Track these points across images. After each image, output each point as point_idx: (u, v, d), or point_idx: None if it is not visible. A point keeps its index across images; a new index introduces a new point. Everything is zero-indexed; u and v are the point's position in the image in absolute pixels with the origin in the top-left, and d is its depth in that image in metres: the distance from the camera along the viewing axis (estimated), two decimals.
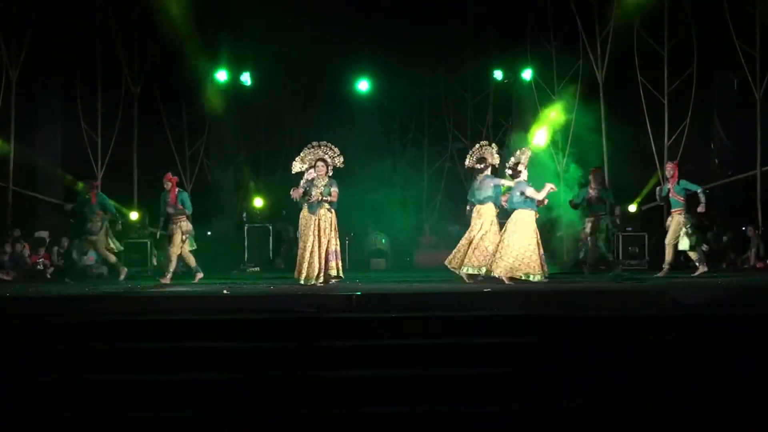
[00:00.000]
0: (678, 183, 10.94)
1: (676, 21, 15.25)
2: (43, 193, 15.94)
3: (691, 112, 15.33)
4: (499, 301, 7.60)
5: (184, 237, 11.00)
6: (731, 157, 15.87)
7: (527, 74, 17.21)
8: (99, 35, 15.92)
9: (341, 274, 9.82)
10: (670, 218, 11.16)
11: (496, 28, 16.86)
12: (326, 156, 9.82)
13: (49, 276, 13.32)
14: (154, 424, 4.86)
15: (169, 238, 11.08)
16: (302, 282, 9.56)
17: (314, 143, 9.93)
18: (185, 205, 11.07)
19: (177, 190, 11.15)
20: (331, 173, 9.81)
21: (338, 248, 9.81)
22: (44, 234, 14.67)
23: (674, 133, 15.52)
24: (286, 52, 15.76)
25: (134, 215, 15.60)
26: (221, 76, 17.18)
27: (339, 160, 9.87)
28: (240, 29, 16.03)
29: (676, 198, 10.95)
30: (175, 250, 10.99)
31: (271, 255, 16.37)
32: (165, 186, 11.14)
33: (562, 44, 16.44)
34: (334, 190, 9.68)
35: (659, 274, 11.05)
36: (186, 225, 11.07)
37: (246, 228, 16.49)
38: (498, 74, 17.66)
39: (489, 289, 8.54)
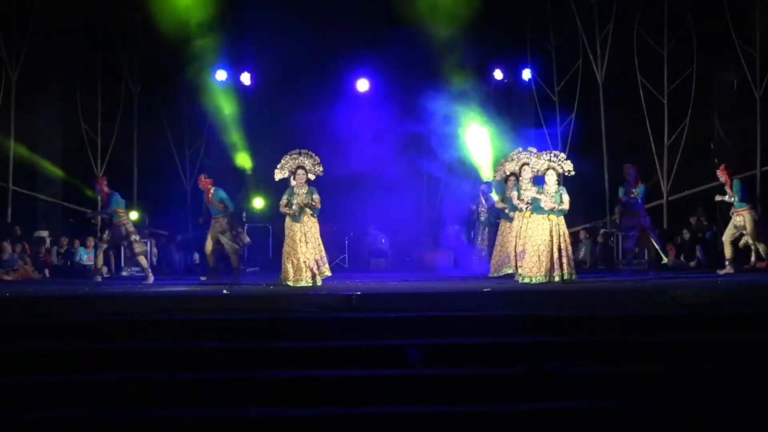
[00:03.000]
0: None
1: (676, 21, 15.25)
2: (43, 193, 15.95)
3: (691, 112, 15.33)
4: (499, 301, 7.61)
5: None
6: (731, 157, 15.85)
7: (527, 74, 17.21)
8: (99, 35, 15.91)
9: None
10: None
11: (496, 28, 16.83)
12: (306, 164, 9.94)
13: (48, 276, 13.33)
14: (155, 424, 4.85)
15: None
16: (291, 285, 9.68)
17: (294, 151, 10.05)
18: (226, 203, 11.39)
19: (213, 189, 11.41)
20: (311, 179, 9.94)
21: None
22: (44, 234, 14.68)
23: (674, 133, 15.53)
24: (286, 51, 15.75)
25: (134, 215, 15.58)
26: (221, 76, 17.17)
27: (318, 169, 10.00)
28: (240, 29, 16.02)
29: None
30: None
31: (271, 255, 16.36)
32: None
33: (562, 44, 16.44)
34: (316, 197, 9.85)
35: None
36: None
37: (246, 228, 16.48)
38: (498, 74, 17.65)
39: (489, 289, 8.54)
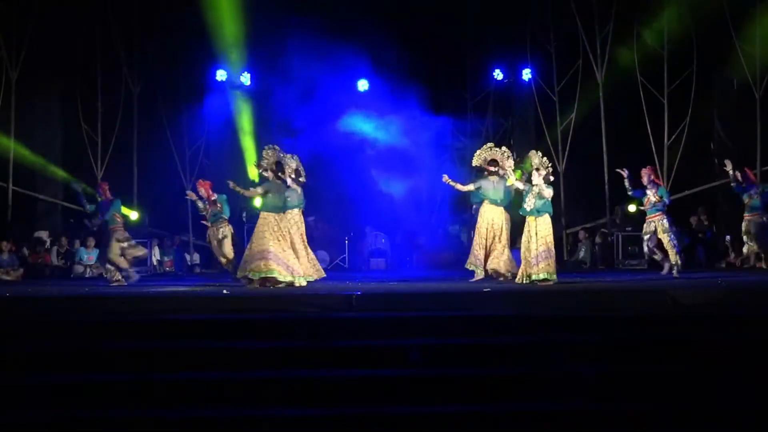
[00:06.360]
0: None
1: (676, 21, 15.25)
2: (43, 193, 15.95)
3: (691, 112, 15.33)
4: (499, 301, 7.61)
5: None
6: (731, 157, 15.85)
7: (527, 74, 17.21)
8: (99, 35, 15.90)
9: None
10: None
11: (496, 28, 16.83)
12: (284, 161, 9.94)
13: (49, 276, 13.34)
14: (155, 424, 4.85)
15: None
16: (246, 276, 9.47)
17: (271, 146, 9.99)
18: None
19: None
20: (285, 178, 9.95)
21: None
22: (44, 234, 14.68)
23: (674, 133, 15.53)
24: (286, 51, 15.75)
25: (134, 215, 15.58)
26: (221, 76, 17.16)
27: (293, 165, 10.03)
28: (240, 29, 16.00)
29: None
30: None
31: None
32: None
33: (562, 44, 16.44)
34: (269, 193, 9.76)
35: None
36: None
37: (246, 228, 16.47)
38: (498, 74, 17.64)
39: (489, 289, 8.54)
